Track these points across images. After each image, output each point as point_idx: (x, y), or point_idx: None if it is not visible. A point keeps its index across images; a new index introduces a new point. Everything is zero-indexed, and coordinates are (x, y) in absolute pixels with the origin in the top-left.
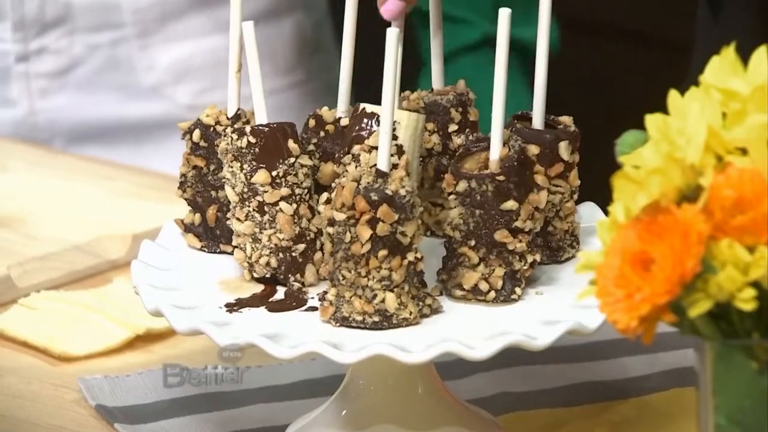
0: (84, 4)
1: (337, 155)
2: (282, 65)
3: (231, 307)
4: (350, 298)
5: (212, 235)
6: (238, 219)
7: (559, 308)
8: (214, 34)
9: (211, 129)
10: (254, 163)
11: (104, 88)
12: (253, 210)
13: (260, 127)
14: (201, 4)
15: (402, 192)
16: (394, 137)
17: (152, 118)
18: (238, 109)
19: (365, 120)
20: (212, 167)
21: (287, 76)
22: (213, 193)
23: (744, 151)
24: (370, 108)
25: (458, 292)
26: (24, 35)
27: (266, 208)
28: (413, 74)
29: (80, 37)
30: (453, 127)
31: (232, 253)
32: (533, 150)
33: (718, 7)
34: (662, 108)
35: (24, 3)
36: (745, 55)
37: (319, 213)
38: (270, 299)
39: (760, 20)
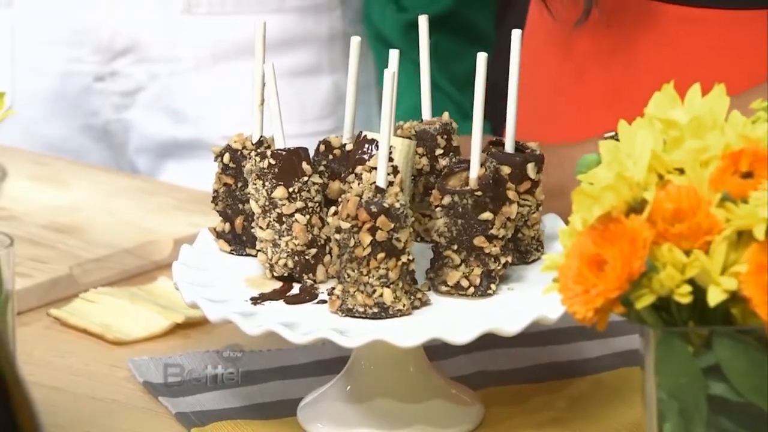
0: (148, 38)
1: (343, 174)
2: (311, 116)
3: (255, 301)
4: (354, 292)
5: (239, 240)
6: (260, 227)
7: (527, 301)
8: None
9: (239, 153)
10: (274, 181)
11: (161, 112)
12: (273, 220)
13: (279, 151)
14: (247, 52)
15: (397, 205)
16: (391, 159)
17: (196, 140)
18: (261, 136)
19: (366, 145)
20: (239, 184)
21: (315, 126)
22: (240, 205)
23: (681, 171)
24: (370, 135)
25: (443, 288)
26: (100, 59)
27: (284, 219)
28: None
29: (144, 66)
30: (439, 151)
31: (255, 256)
32: (506, 170)
33: None
34: None
35: (98, 32)
36: None
37: (328, 223)
38: (287, 294)
39: None
